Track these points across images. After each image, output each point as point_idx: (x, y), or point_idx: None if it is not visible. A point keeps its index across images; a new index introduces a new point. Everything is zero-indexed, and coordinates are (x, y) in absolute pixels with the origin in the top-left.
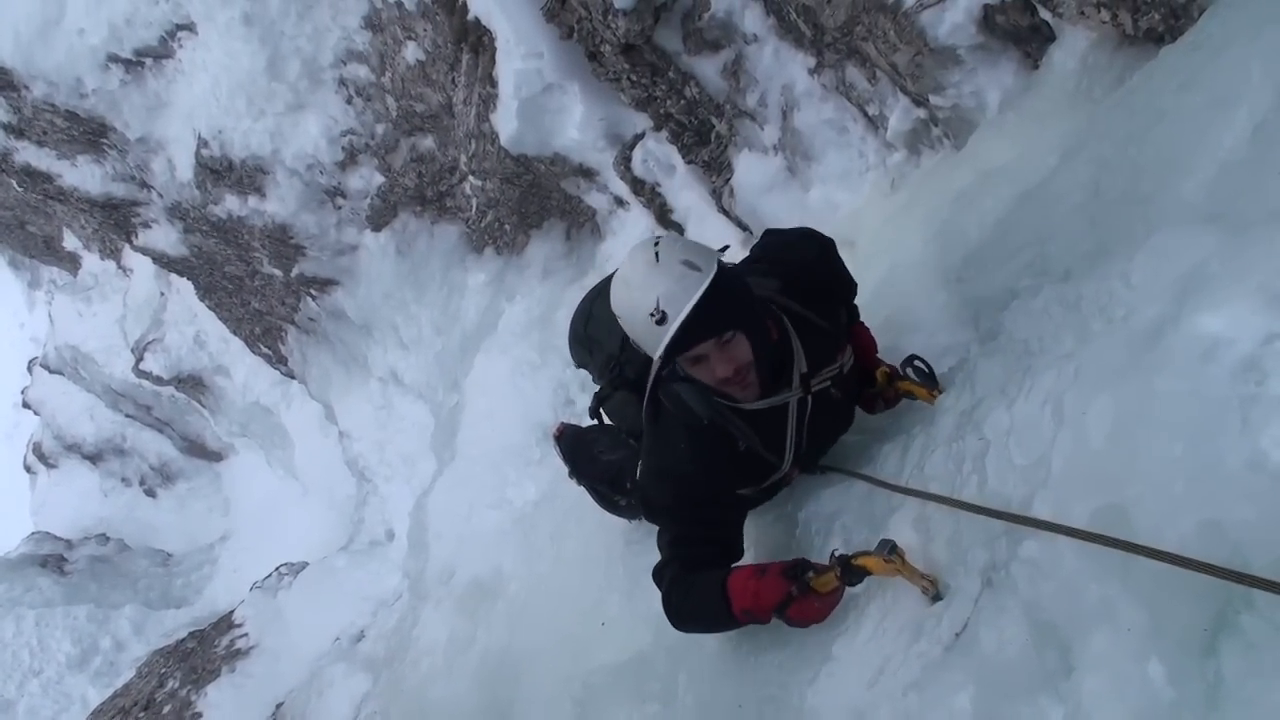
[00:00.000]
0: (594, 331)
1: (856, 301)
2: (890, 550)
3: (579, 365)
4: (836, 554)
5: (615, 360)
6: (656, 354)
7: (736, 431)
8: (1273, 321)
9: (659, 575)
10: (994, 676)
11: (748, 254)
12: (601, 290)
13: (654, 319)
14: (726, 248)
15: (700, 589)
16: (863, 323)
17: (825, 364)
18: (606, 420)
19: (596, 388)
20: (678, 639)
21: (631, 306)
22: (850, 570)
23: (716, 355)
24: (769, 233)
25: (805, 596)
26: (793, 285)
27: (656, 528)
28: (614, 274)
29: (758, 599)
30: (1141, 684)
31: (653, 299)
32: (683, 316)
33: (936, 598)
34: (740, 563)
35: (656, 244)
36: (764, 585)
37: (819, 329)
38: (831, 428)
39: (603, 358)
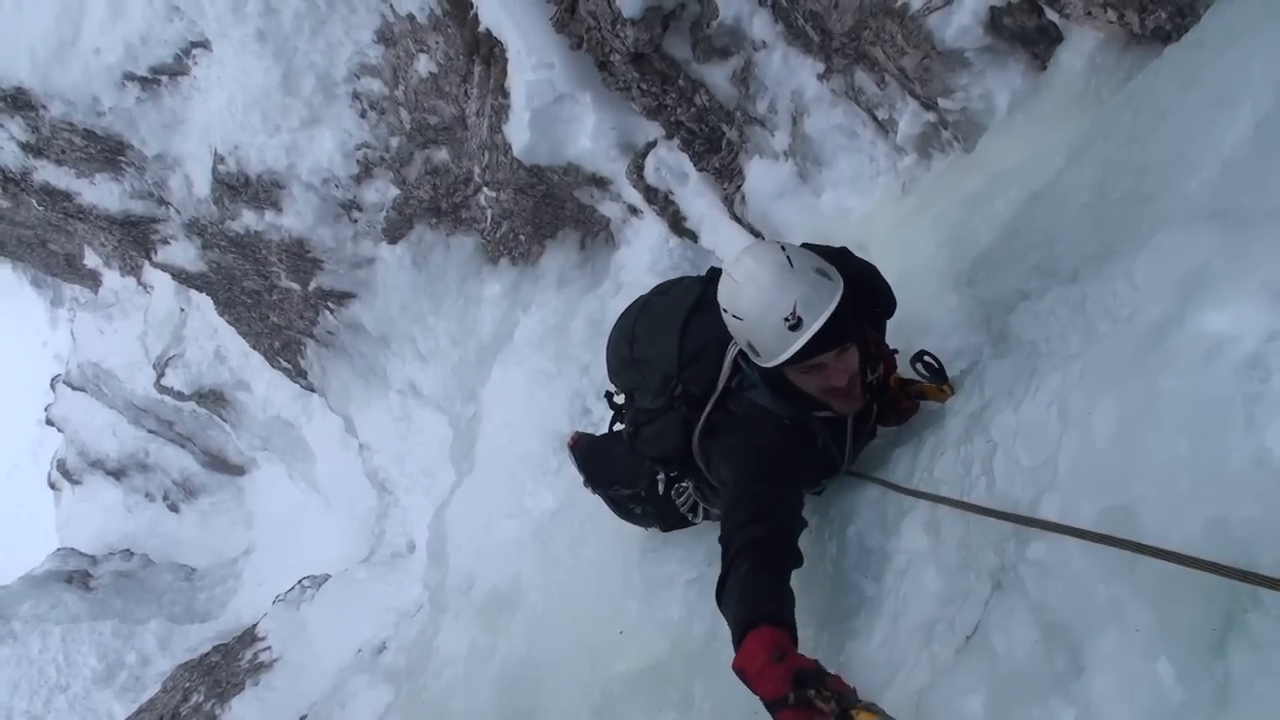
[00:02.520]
0: (642, 353)
1: None
2: None
3: (626, 391)
4: (834, 704)
5: (675, 378)
6: (779, 359)
7: (816, 428)
8: (1276, 319)
9: (728, 546)
10: (1005, 679)
11: None
12: (641, 311)
13: (788, 324)
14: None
15: (738, 599)
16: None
17: (873, 372)
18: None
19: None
20: (695, 647)
21: (762, 308)
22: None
23: (834, 364)
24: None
25: (800, 709)
26: (852, 295)
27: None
28: (721, 274)
29: (758, 679)
30: (1151, 684)
31: (789, 303)
32: (820, 323)
33: None
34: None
35: (784, 248)
36: (770, 672)
37: (869, 338)
38: (868, 434)
39: (658, 378)
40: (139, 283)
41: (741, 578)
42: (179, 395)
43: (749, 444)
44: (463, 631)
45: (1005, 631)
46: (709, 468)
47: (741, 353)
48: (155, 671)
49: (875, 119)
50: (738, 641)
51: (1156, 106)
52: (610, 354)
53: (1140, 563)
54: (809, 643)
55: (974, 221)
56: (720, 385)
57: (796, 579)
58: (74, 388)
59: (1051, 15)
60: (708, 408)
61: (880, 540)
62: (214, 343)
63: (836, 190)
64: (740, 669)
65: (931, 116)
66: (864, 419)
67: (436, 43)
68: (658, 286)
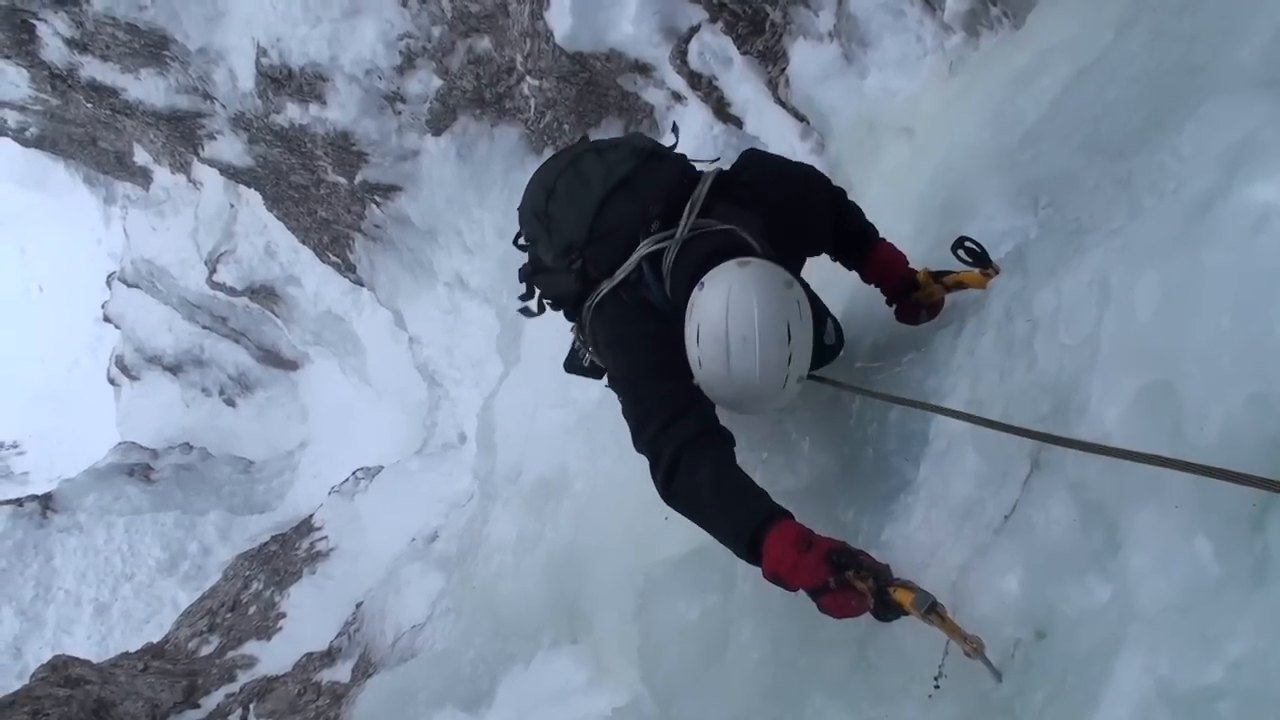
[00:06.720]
0: (554, 211)
1: (916, 195)
2: (928, 609)
3: (528, 239)
4: (873, 582)
5: (579, 253)
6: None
7: None
8: None
9: (659, 449)
10: (1042, 557)
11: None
12: (569, 167)
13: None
14: (717, 160)
15: (722, 509)
16: (885, 241)
17: None
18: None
19: None
20: None
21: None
22: (884, 600)
23: None
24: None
25: (840, 591)
26: (773, 226)
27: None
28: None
29: (794, 574)
30: (1189, 560)
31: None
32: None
33: (987, 664)
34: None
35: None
36: (804, 563)
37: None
38: None
39: (562, 242)
40: (189, 179)
41: (707, 482)
42: (231, 291)
43: (636, 334)
44: (511, 519)
45: (1043, 510)
46: (595, 345)
47: (648, 257)
48: (216, 561)
49: None
50: (754, 550)
51: None
52: (525, 196)
53: (1180, 439)
54: (849, 527)
55: (1021, 100)
56: (620, 276)
57: (839, 463)
58: (129, 285)
59: None
60: (601, 292)
61: (920, 423)
62: (264, 238)
63: (882, 71)
64: (773, 573)
65: None
66: None
67: None
68: (596, 142)
